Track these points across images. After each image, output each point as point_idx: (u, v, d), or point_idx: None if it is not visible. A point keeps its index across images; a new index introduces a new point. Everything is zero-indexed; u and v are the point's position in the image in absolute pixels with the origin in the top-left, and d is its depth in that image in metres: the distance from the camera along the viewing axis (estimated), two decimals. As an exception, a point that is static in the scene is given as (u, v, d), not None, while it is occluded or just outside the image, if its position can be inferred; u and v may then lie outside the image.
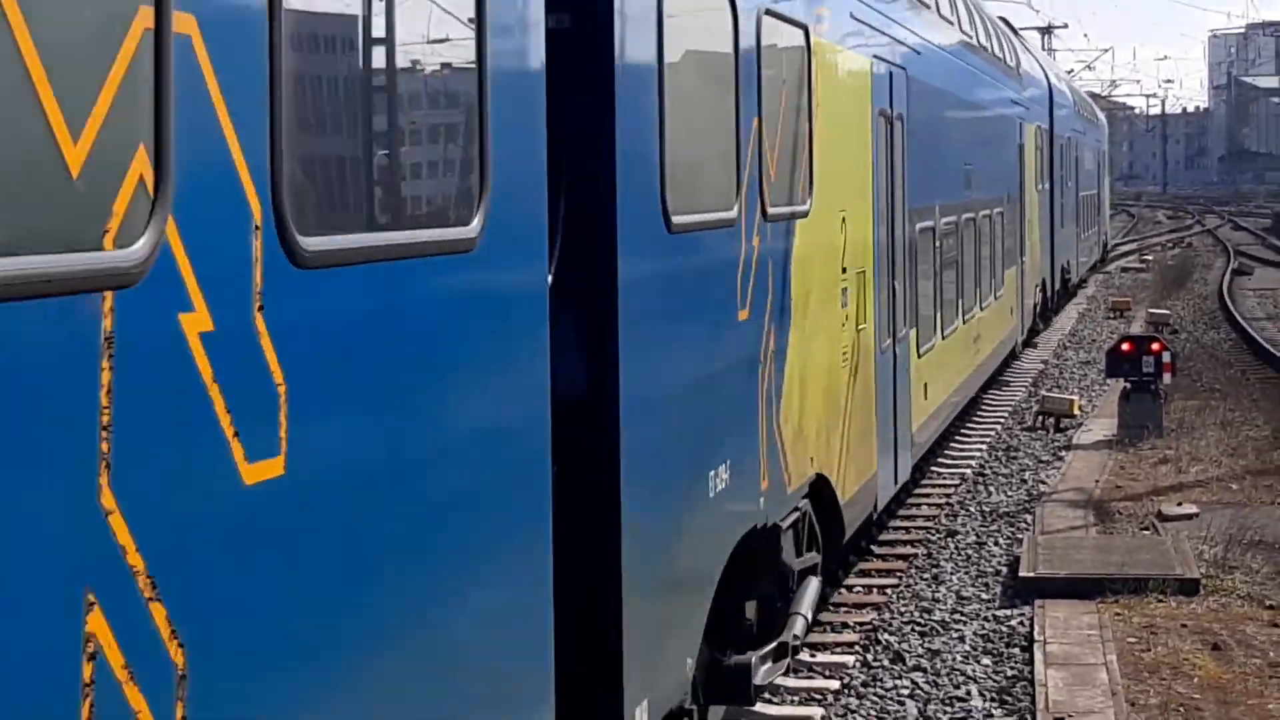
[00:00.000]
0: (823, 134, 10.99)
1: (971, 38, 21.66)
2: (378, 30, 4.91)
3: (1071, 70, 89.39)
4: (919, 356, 15.81)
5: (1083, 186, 43.39)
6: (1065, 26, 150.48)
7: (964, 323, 19.99)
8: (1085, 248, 45.86)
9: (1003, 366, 27.96)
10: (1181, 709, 10.39)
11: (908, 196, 14.88)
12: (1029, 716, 10.37)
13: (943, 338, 17.86)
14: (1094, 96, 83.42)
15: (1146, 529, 15.64)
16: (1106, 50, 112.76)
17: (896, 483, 14.68)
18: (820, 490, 10.99)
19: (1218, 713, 10.32)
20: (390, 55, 4.97)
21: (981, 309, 21.80)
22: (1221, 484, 17.95)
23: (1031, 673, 11.19)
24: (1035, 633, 12.05)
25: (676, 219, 7.50)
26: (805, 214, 10.44)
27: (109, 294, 3.45)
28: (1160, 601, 12.83)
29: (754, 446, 9.01)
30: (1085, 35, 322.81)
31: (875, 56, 13.53)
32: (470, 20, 5.30)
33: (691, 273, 8.04)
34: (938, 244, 17.15)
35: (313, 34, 4.54)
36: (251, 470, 3.97)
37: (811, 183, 10.64)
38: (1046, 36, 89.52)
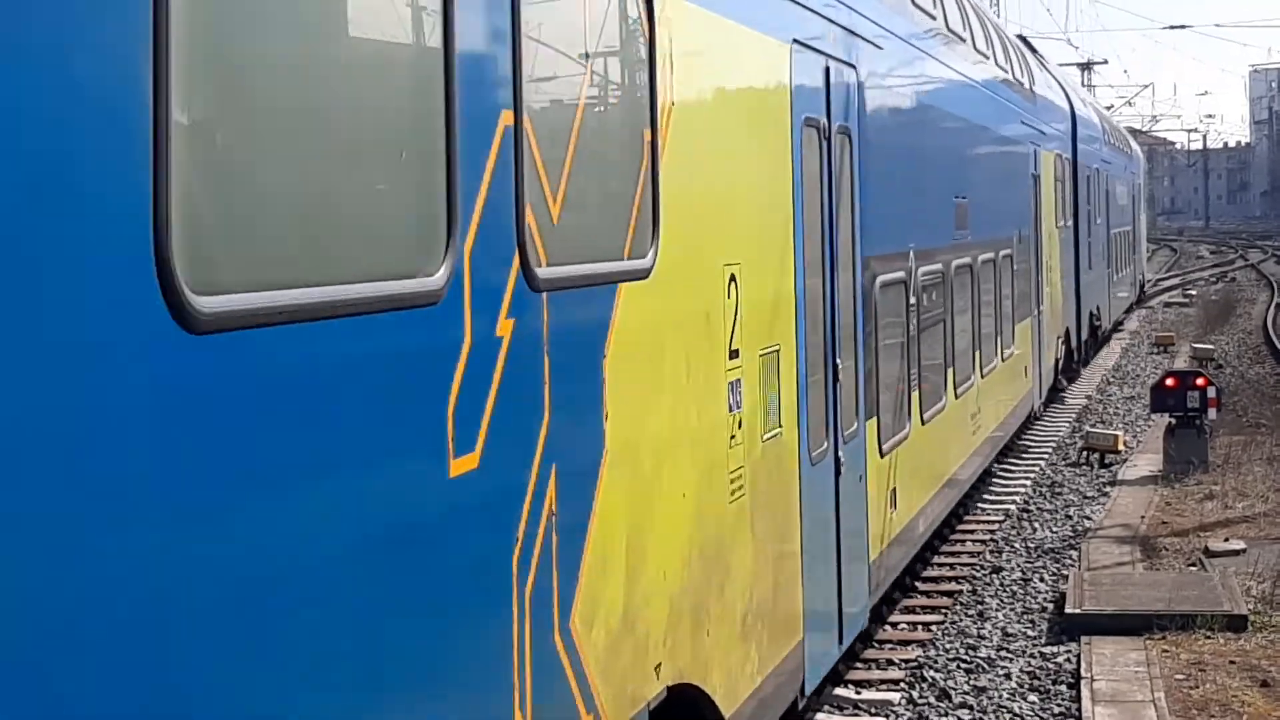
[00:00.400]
0: (684, 148, 7.29)
1: (963, 38, 17.78)
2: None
3: (1111, 106, 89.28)
4: (881, 456, 12.02)
5: (1114, 223, 40.02)
6: (1105, 62, 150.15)
7: (956, 398, 16.20)
8: (1118, 291, 42.16)
9: (1047, 404, 27.83)
10: (1231, 746, 10.30)
11: (861, 240, 11.24)
12: (1077, 754, 10.31)
13: (922, 422, 14.08)
14: (1134, 132, 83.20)
15: (1193, 565, 15.54)
16: (1146, 86, 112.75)
17: (841, 644, 10.70)
18: (687, 705, 7.37)
19: (1268, 750, 10.24)
20: None
21: (983, 375, 18.11)
22: (1268, 519, 17.82)
23: (1079, 710, 11.12)
24: (1082, 669, 11.98)
25: (207, 305, 3.80)
26: (643, 274, 6.77)
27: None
28: (1208, 638, 12.74)
29: (498, 684, 5.43)
30: (1125, 71, 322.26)
31: (799, 42, 9.55)
32: None
33: (278, 408, 4.16)
34: (913, 301, 13.58)
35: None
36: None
37: (656, 224, 6.89)
38: (1086, 73, 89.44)
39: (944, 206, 15.74)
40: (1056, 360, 27.54)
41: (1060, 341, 27.85)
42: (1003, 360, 19.78)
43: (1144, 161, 57.99)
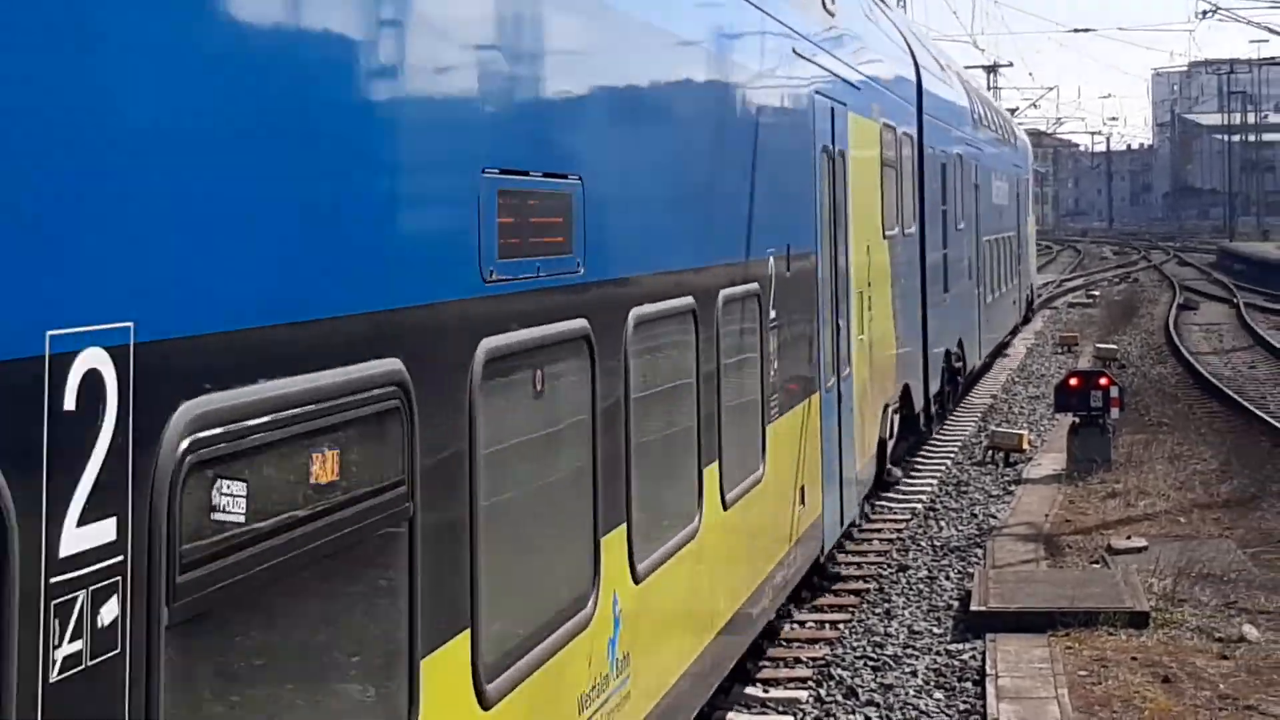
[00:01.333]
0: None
1: None
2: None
3: (1016, 109, 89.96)
4: None
5: (988, 228, 31.15)
6: (1010, 65, 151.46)
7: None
8: (993, 315, 32.65)
9: (1002, 345, 28.07)
10: (1133, 741, 10.44)
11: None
12: (982, 750, 10.41)
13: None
14: (1039, 134, 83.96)
15: (1096, 563, 15.72)
16: (1051, 89, 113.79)
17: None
18: None
19: (1169, 745, 10.38)
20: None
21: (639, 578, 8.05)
22: (1170, 517, 18.07)
23: (984, 707, 11.23)
24: (987, 667, 12.10)
25: None
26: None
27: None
28: (1110, 634, 12.90)
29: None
30: (1030, 74, 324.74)
31: None
32: None
33: None
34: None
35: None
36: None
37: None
38: (992, 75, 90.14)
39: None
40: (882, 443, 17.76)
41: (889, 414, 18.12)
42: (721, 513, 9.67)
43: (1031, 153, 48.87)
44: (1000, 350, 36.34)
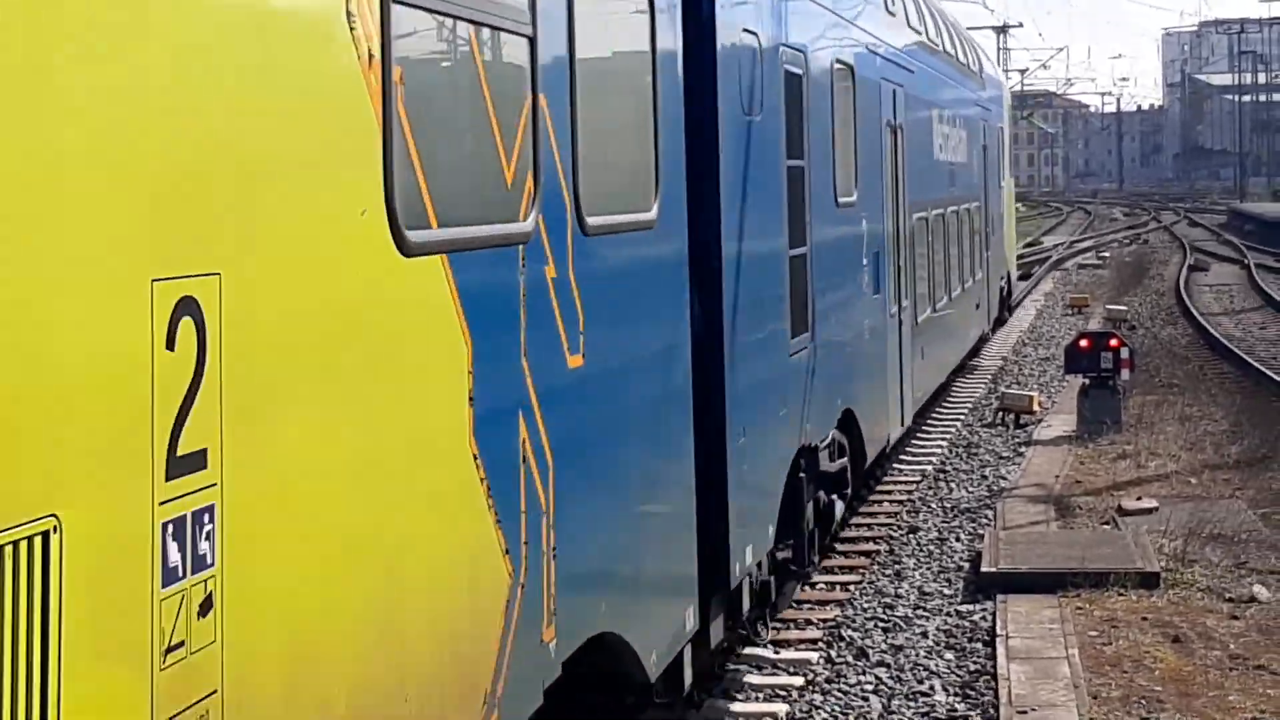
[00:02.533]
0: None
1: None
2: None
3: (1027, 69, 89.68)
4: None
5: (930, 196, 20.62)
6: (1020, 25, 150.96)
7: None
8: (939, 336, 21.68)
9: (964, 363, 28.02)
10: (1143, 701, 10.45)
11: None
12: (992, 710, 10.43)
13: None
14: (1050, 95, 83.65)
15: (1107, 524, 15.73)
16: (1061, 49, 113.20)
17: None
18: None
19: (1179, 704, 10.40)
20: None
21: None
22: (1180, 478, 18.07)
23: (994, 667, 11.25)
24: (997, 627, 12.11)
25: None
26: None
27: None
28: (1121, 595, 12.91)
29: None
30: (1040, 34, 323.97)
31: None
32: None
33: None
34: None
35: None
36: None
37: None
38: (1002, 36, 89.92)
39: None
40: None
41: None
42: None
43: (1008, 97, 35.86)
44: (939, 390, 23.62)
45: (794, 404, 11.56)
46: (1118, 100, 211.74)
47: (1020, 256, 61.38)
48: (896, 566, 14.58)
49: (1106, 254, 60.80)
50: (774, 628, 12.60)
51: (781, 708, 10.68)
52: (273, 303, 4.35)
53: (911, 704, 10.78)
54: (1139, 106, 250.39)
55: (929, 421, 22.83)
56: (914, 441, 21.15)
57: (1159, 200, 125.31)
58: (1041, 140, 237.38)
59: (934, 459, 19.95)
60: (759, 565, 10.58)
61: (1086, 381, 21.16)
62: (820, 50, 12.89)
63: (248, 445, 4.19)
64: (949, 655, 11.84)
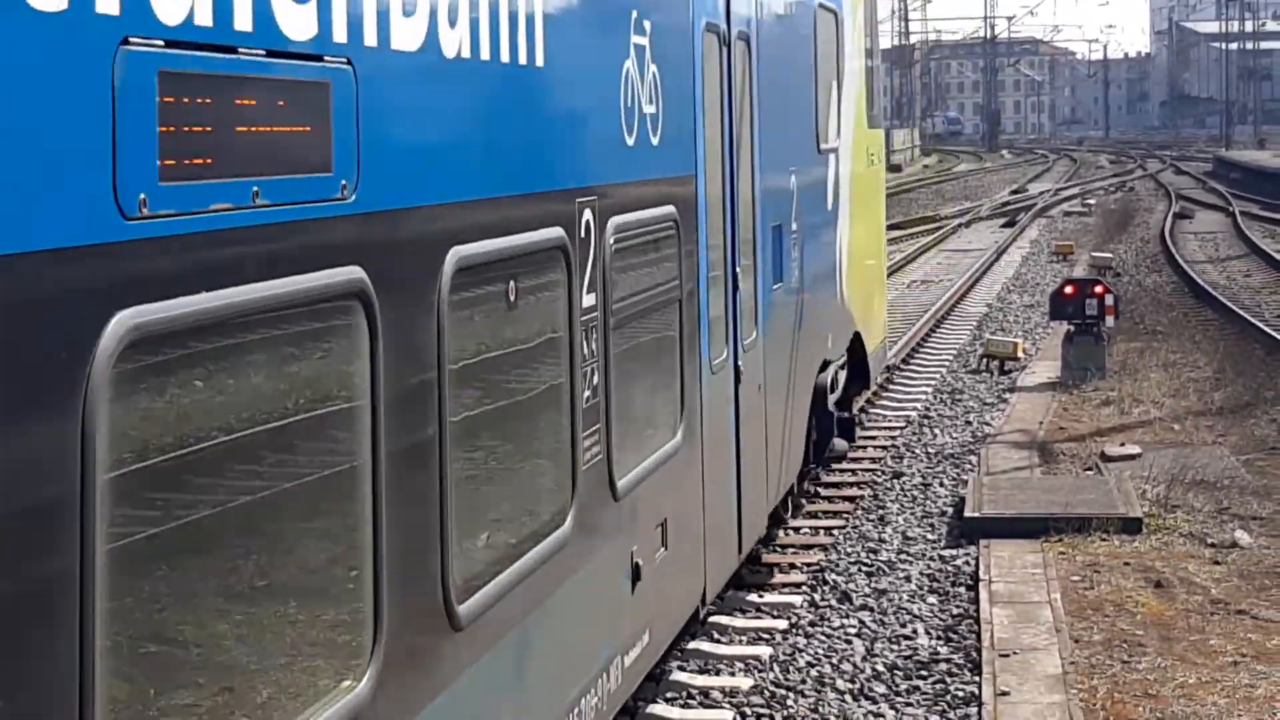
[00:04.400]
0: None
1: None
2: None
3: (1014, 16, 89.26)
4: None
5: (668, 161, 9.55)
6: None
7: None
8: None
9: (949, 310, 28.05)
10: (1124, 645, 10.51)
11: None
12: (974, 654, 10.48)
13: None
14: (1036, 42, 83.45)
15: (1090, 469, 15.77)
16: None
17: None
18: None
19: (1160, 648, 10.46)
20: None
21: None
22: (1164, 425, 18.12)
23: (977, 611, 11.30)
24: (980, 572, 12.16)
25: None
26: None
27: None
28: (1103, 540, 12.96)
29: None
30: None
31: None
32: None
33: None
34: None
35: None
36: None
37: None
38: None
39: None
40: None
41: None
42: None
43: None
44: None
45: None
46: (1104, 48, 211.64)
47: (1006, 203, 61.38)
48: (880, 511, 14.62)
49: (1092, 201, 60.77)
50: (758, 571, 12.64)
51: (765, 650, 10.72)
52: None
53: (894, 647, 10.83)
54: (1126, 54, 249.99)
55: (913, 367, 22.87)
56: (898, 387, 21.18)
57: (1145, 148, 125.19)
58: (1028, 87, 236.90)
59: (918, 405, 19.98)
60: None
61: (1071, 328, 21.19)
62: None
63: None
64: (932, 599, 11.89)
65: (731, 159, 9.99)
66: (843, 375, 14.52)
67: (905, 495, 15.25)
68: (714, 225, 9.57)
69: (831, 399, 13.73)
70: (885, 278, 18.34)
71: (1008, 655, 10.21)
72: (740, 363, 10.22)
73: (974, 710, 9.51)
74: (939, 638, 11.01)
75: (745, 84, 10.37)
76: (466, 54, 5.71)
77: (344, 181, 4.73)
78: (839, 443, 14.07)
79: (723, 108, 9.80)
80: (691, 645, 10.78)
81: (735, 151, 10.09)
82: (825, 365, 13.53)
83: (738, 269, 10.11)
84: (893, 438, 18.02)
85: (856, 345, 15.05)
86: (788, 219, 11.95)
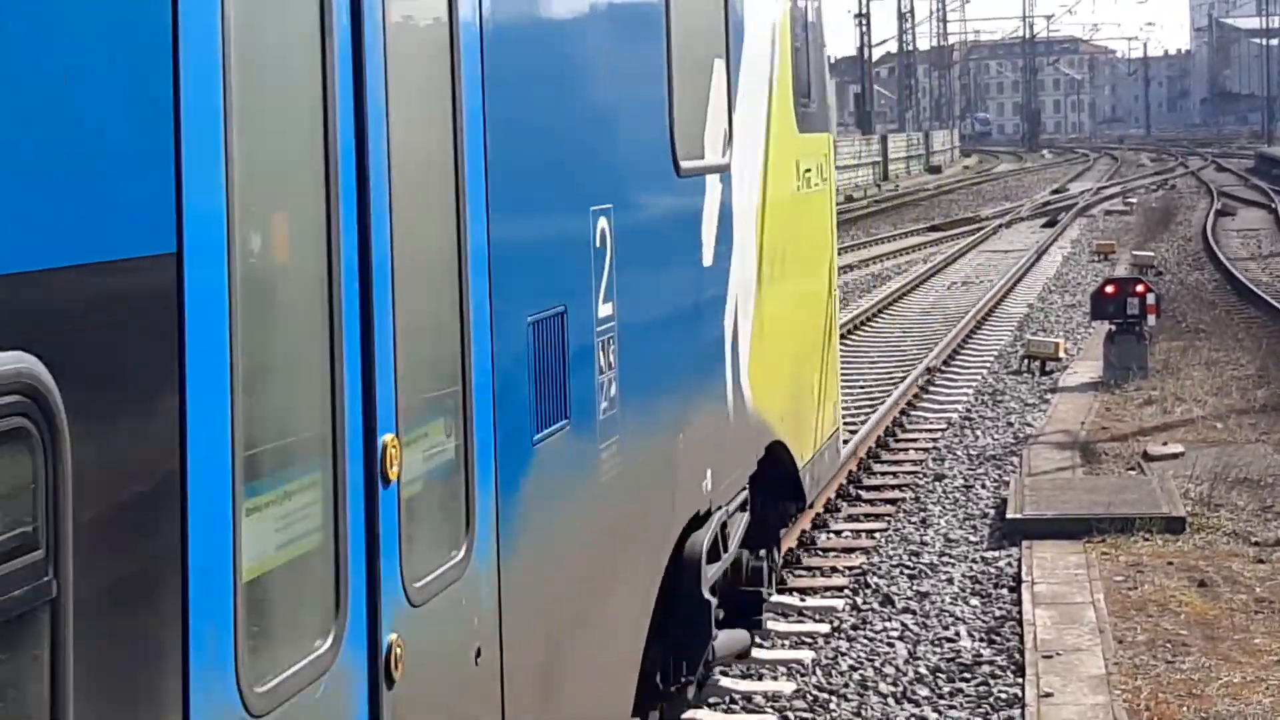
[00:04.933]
0: None
1: None
2: None
3: (1053, 15, 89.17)
4: None
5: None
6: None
7: None
8: None
9: (990, 311, 27.99)
10: (1168, 645, 10.48)
11: None
12: (1017, 655, 10.46)
13: None
14: (1076, 41, 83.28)
15: (1133, 469, 15.72)
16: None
17: None
18: None
19: (1204, 648, 10.42)
20: None
21: None
22: (1207, 423, 18.04)
23: (1020, 613, 11.28)
24: (1023, 573, 12.14)
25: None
26: None
27: None
28: (1147, 540, 12.92)
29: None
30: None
31: None
32: None
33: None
34: None
35: None
36: None
37: None
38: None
39: None
40: None
41: None
42: None
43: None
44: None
45: None
46: (1144, 45, 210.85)
47: (1047, 203, 61.20)
48: (922, 514, 14.60)
49: (1133, 200, 60.54)
50: (799, 575, 12.65)
51: (808, 654, 10.73)
52: None
53: (937, 649, 10.82)
54: (1166, 51, 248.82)
55: (954, 369, 22.82)
56: (939, 389, 21.15)
57: (1186, 145, 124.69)
58: (1068, 86, 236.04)
59: (959, 406, 19.94)
60: None
61: (1113, 328, 21.11)
62: None
63: None
64: (974, 601, 11.88)
65: (358, 196, 4.52)
66: (740, 523, 9.27)
67: (947, 497, 15.23)
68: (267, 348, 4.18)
69: (712, 571, 8.42)
70: (836, 346, 12.39)
71: (1051, 656, 10.19)
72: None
73: (1017, 712, 9.49)
74: (982, 639, 10.99)
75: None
76: None
77: None
78: (732, 637, 9.34)
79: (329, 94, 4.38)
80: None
81: (363, 181, 4.56)
82: (697, 520, 8.26)
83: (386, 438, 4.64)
84: (934, 440, 17.99)
85: (778, 455, 9.95)
86: (585, 298, 6.64)
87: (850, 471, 15.88)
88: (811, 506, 12.38)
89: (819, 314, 11.73)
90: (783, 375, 10.25)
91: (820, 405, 11.48)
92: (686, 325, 8.16)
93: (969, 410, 19.72)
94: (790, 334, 10.54)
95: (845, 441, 16.82)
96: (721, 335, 8.72)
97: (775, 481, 10.21)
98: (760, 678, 10.40)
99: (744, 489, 9.31)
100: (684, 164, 7.89)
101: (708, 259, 8.37)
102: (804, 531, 13.69)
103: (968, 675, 10.29)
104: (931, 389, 21.19)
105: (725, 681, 10.19)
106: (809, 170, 11.11)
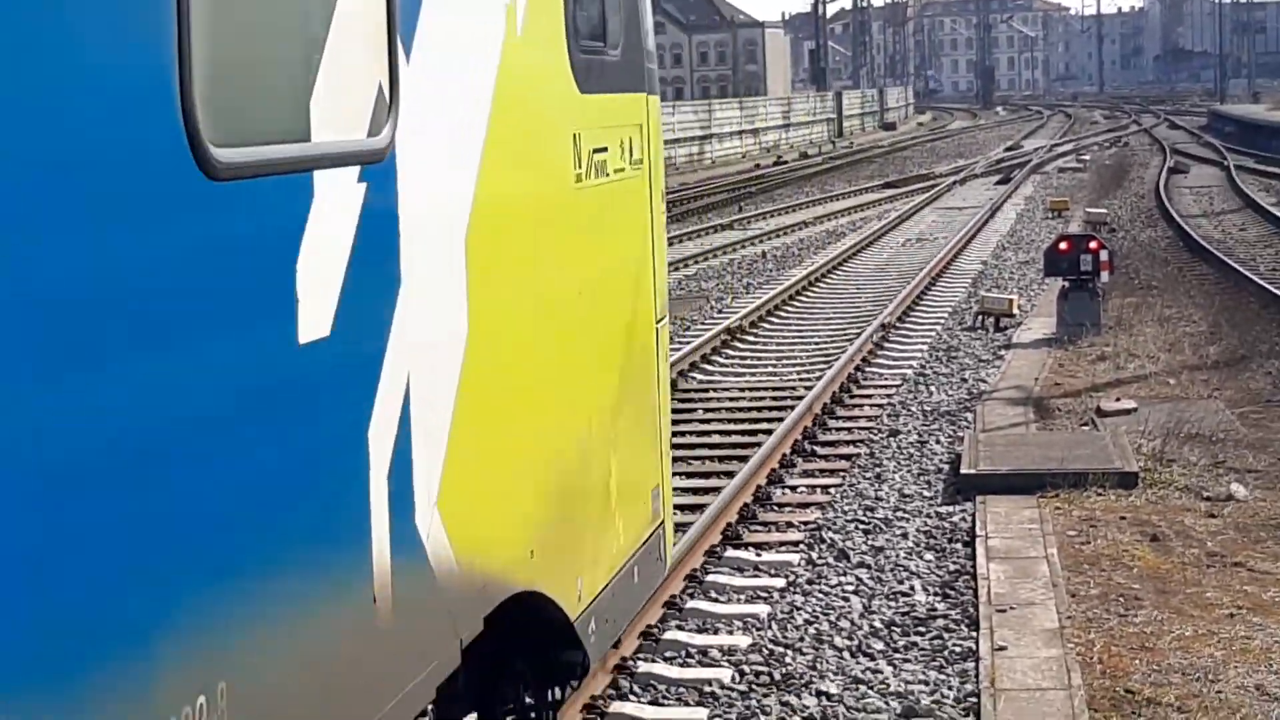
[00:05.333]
0: None
1: None
2: None
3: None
4: None
5: None
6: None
7: None
8: None
9: (944, 267, 28.06)
10: (1121, 599, 10.54)
11: None
12: (971, 609, 10.51)
13: None
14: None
15: (1086, 425, 15.80)
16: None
17: None
18: None
19: (1157, 601, 10.49)
20: None
21: None
22: (1159, 379, 18.14)
23: (974, 567, 11.33)
24: (977, 528, 12.19)
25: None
26: None
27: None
28: (1100, 495, 12.99)
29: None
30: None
31: None
32: None
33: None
34: None
35: None
36: None
37: None
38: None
39: None
40: None
41: None
42: None
43: None
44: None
45: None
46: (1098, 2, 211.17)
47: (1001, 160, 61.36)
48: (877, 469, 14.64)
49: (1086, 157, 60.70)
50: (754, 529, 12.69)
51: (763, 609, 10.75)
52: None
53: (892, 603, 10.86)
54: (1119, 9, 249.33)
55: (908, 325, 22.88)
56: (893, 345, 21.19)
57: (1139, 103, 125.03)
58: (1021, 43, 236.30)
59: (913, 363, 19.99)
60: None
61: (1066, 284, 21.19)
62: None
63: None
64: (929, 556, 11.92)
65: None
66: None
67: (902, 453, 15.27)
68: None
69: None
70: (661, 405, 8.55)
71: (1005, 610, 10.24)
72: None
73: (971, 665, 9.54)
74: (936, 594, 11.03)
75: None
76: None
77: None
78: None
79: None
80: (690, 605, 10.81)
81: None
82: None
83: None
84: (889, 396, 18.03)
85: (535, 608, 6.47)
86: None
87: (805, 427, 15.91)
88: (580, 674, 7.60)
89: (618, 365, 7.73)
90: (531, 483, 6.46)
91: (620, 507, 7.61)
92: (242, 450, 4.22)
93: (923, 366, 19.77)
94: (552, 411, 6.74)
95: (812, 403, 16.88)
96: (355, 451, 4.88)
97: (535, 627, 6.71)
98: (716, 632, 10.42)
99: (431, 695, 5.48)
100: (223, 156, 4.07)
101: (313, 326, 4.54)
102: (759, 487, 13.72)
103: (922, 629, 10.33)
104: (886, 345, 21.24)
105: (681, 636, 10.21)
106: (602, 150, 7.30)
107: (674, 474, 14.57)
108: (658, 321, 8.35)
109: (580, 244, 7.10)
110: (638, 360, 8.02)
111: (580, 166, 7.01)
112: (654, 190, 8.35)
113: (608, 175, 7.41)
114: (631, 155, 7.84)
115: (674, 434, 16.36)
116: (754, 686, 9.47)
